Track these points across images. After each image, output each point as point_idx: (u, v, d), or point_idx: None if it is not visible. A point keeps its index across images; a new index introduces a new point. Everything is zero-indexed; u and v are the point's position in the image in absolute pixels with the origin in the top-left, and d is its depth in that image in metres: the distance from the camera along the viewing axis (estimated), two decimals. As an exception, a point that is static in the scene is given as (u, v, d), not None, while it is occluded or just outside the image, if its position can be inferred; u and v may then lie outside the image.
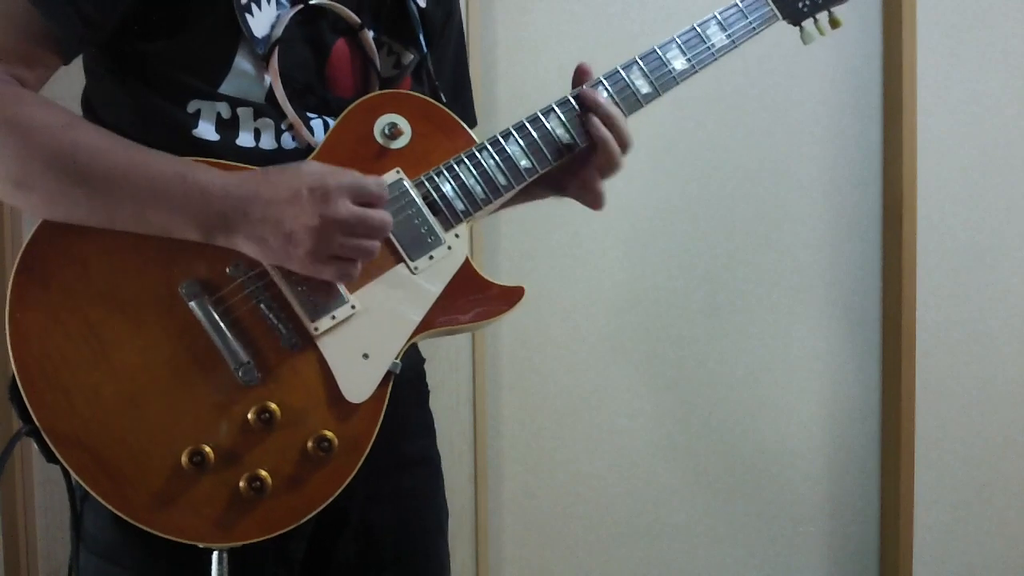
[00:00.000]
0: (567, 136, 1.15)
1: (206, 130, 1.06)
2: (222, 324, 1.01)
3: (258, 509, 1.02)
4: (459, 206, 1.11)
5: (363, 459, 1.06)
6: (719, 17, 1.21)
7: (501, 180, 1.13)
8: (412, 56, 1.20)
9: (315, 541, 1.15)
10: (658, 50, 1.18)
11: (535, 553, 2.24)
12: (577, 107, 1.15)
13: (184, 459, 1.00)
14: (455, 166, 1.11)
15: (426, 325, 1.10)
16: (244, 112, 1.07)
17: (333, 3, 1.11)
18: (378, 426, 1.06)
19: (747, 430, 2.31)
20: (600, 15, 2.16)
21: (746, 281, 2.28)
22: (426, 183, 1.10)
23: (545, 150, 1.14)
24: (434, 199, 1.10)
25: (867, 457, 2.36)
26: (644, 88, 1.18)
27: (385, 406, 1.07)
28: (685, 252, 2.25)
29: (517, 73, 2.13)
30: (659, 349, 2.26)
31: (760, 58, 2.22)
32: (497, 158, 1.13)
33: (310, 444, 1.03)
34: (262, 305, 1.03)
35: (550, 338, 2.20)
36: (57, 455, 0.99)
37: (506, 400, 2.20)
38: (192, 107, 1.06)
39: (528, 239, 2.17)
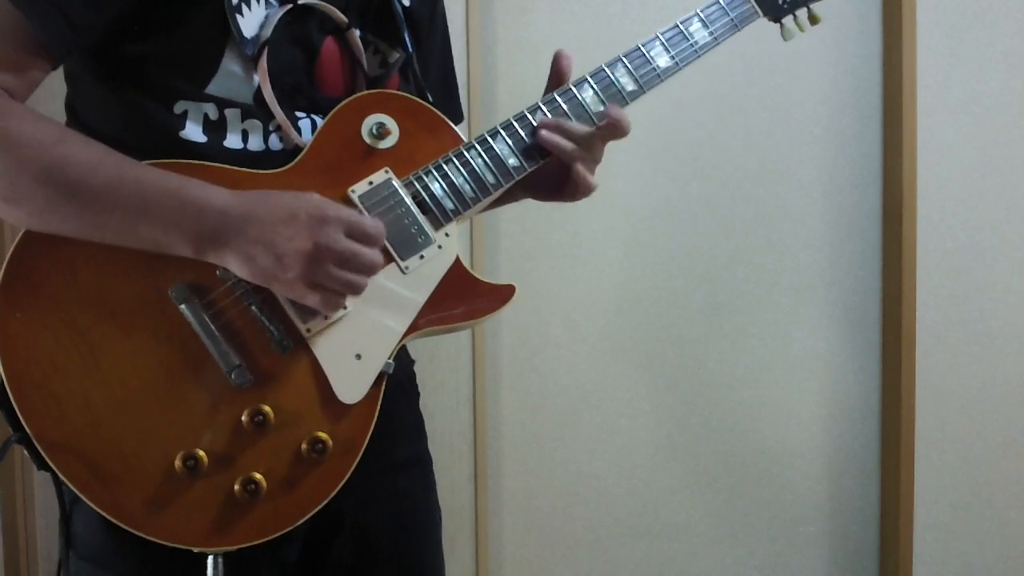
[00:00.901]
0: None
1: (193, 131, 1.06)
2: (213, 327, 1.01)
3: (253, 512, 1.02)
4: (448, 205, 1.11)
5: (358, 460, 1.05)
6: (702, 15, 1.21)
7: (490, 179, 1.13)
8: (398, 55, 1.20)
9: (309, 543, 1.15)
10: (642, 48, 1.19)
11: (535, 553, 2.24)
12: (563, 106, 1.16)
13: (177, 463, 1.00)
14: (444, 165, 1.12)
15: (419, 325, 1.10)
16: (232, 113, 1.07)
17: (322, 2, 1.11)
18: (372, 427, 1.06)
19: (747, 430, 2.31)
20: (600, 15, 2.16)
21: (746, 281, 2.28)
22: (415, 183, 1.11)
23: (533, 148, 1.15)
24: (423, 198, 1.11)
25: (867, 457, 2.36)
26: (629, 86, 1.18)
27: (379, 407, 1.07)
28: (685, 252, 2.25)
29: (517, 73, 2.13)
30: (659, 349, 2.26)
31: (760, 58, 2.22)
32: (485, 157, 1.13)
33: (304, 446, 1.03)
34: (253, 307, 1.03)
35: (550, 338, 2.20)
36: (49, 462, 0.98)
37: (506, 400, 2.20)
38: (179, 108, 1.05)
39: (528, 239, 2.17)
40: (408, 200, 1.10)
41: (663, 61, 1.19)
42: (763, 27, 1.30)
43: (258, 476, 1.01)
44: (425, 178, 1.11)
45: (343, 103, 1.11)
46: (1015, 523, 2.39)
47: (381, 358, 1.08)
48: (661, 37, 1.19)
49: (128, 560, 1.05)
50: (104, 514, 0.99)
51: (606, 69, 1.18)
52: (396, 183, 1.10)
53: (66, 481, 0.98)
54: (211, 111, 1.07)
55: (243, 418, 1.01)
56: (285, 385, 1.04)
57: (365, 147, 1.11)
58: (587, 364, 2.23)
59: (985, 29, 2.29)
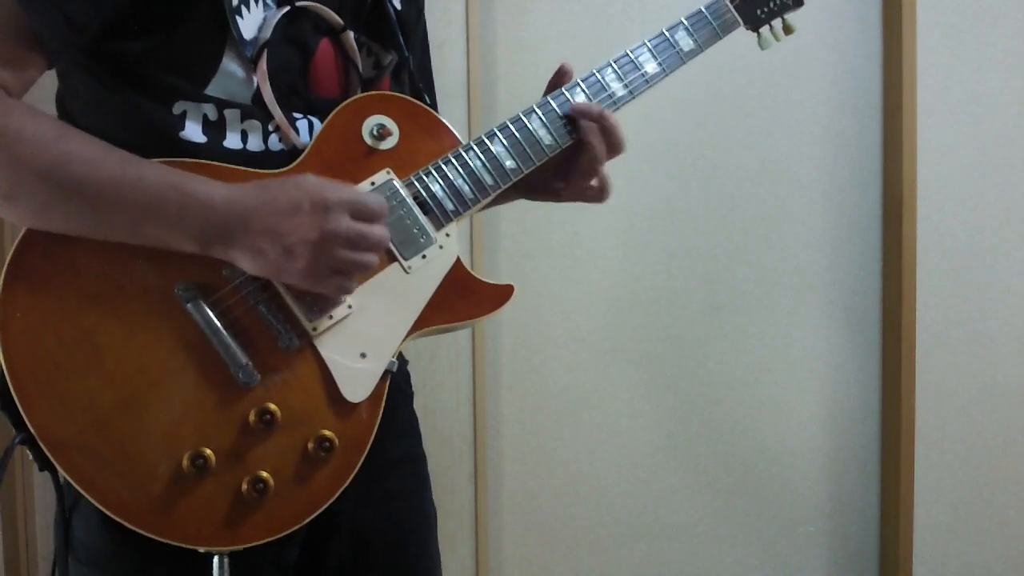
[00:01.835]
0: (549, 138, 1.17)
1: (193, 132, 1.05)
2: (220, 326, 1.01)
3: (261, 511, 1.02)
4: (449, 206, 1.12)
5: (363, 458, 1.06)
6: (686, 23, 1.25)
7: (488, 180, 1.15)
8: (391, 57, 1.21)
9: (307, 545, 1.15)
10: (630, 54, 1.22)
11: (535, 553, 2.24)
12: (557, 109, 1.18)
13: (185, 463, 0.99)
14: (443, 166, 1.13)
15: (421, 324, 1.11)
16: (231, 114, 1.07)
17: (318, 4, 1.12)
18: (377, 425, 1.07)
19: (747, 430, 2.31)
20: (600, 15, 2.16)
21: (746, 281, 2.28)
22: (416, 183, 1.12)
23: (529, 151, 1.16)
24: (424, 199, 1.12)
25: (867, 457, 2.36)
26: (619, 91, 1.21)
27: (383, 405, 1.07)
28: (685, 252, 2.25)
29: (517, 73, 2.13)
30: (659, 349, 2.26)
31: (760, 58, 2.21)
32: (483, 158, 1.14)
33: (311, 444, 1.03)
34: (260, 306, 1.03)
35: (550, 338, 2.20)
36: (53, 462, 0.97)
37: (506, 400, 2.20)
38: (178, 108, 1.05)
39: (528, 239, 2.17)
40: (409, 200, 1.11)
41: (651, 67, 1.22)
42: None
43: (266, 475, 1.01)
44: (426, 179, 1.12)
45: (343, 104, 1.12)
46: (1015, 523, 2.40)
47: (386, 357, 1.08)
48: (648, 44, 1.23)
49: (128, 562, 1.05)
50: (110, 514, 0.98)
51: (597, 74, 1.20)
52: (397, 183, 1.11)
53: (71, 481, 0.98)
54: (210, 111, 1.06)
55: (251, 417, 1.01)
56: (291, 384, 1.04)
57: (366, 148, 1.12)
58: (587, 364, 2.23)
59: (985, 29, 2.29)
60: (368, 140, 1.11)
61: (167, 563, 1.02)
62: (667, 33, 1.23)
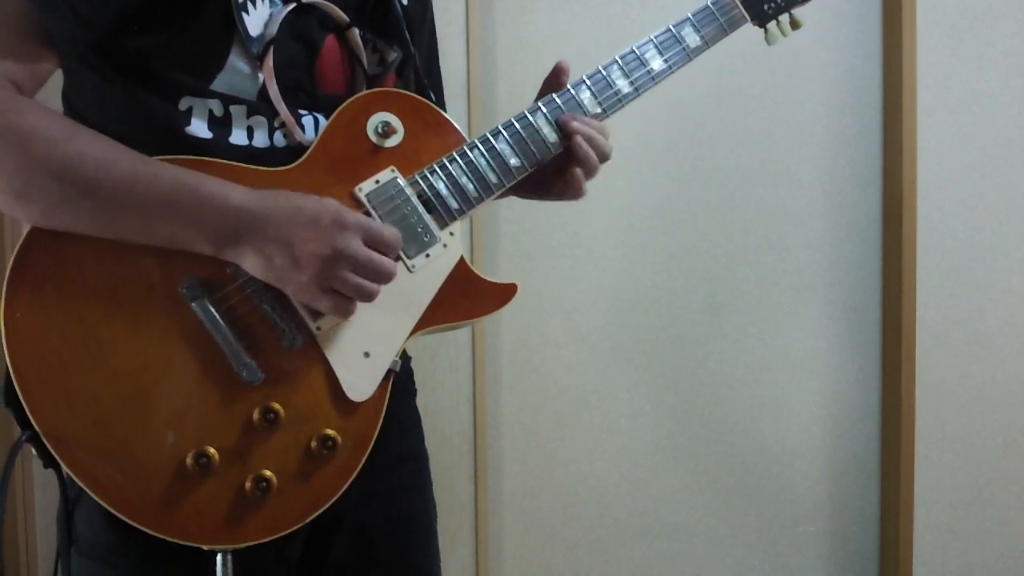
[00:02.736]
0: (554, 135, 1.17)
1: (199, 127, 1.05)
2: (224, 324, 1.01)
3: (264, 509, 1.02)
4: (453, 204, 1.12)
5: (366, 457, 1.06)
6: (693, 19, 1.24)
7: (492, 179, 1.14)
8: (396, 54, 1.21)
9: (310, 542, 1.15)
10: (636, 51, 1.21)
11: (535, 553, 2.24)
12: (562, 107, 1.17)
13: (189, 461, 0.99)
14: (448, 164, 1.13)
15: (424, 323, 1.10)
16: (237, 110, 1.07)
17: (324, 1, 1.12)
18: (379, 424, 1.07)
19: (747, 430, 2.31)
20: (600, 15, 2.16)
21: (746, 281, 2.28)
22: (420, 181, 1.11)
23: (533, 148, 1.16)
24: (428, 197, 1.11)
25: (867, 457, 2.36)
26: (625, 89, 1.20)
27: (386, 404, 1.08)
28: (685, 252, 2.25)
29: (517, 73, 2.13)
30: (659, 349, 2.26)
31: (760, 58, 2.22)
32: (488, 156, 1.14)
33: (314, 443, 1.03)
34: (264, 305, 1.03)
35: (550, 338, 2.20)
36: (58, 459, 0.97)
37: (506, 400, 2.20)
38: (184, 104, 1.05)
39: (528, 239, 2.17)
40: (414, 199, 1.10)
41: (657, 64, 1.22)
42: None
43: (269, 473, 1.01)
44: (430, 177, 1.12)
45: (348, 101, 1.12)
46: (1015, 523, 2.40)
47: (389, 356, 1.08)
48: (655, 40, 1.22)
49: (131, 557, 1.05)
50: (114, 511, 0.98)
51: (602, 71, 1.20)
52: (402, 182, 1.10)
53: (75, 478, 0.97)
54: (216, 107, 1.06)
55: (254, 416, 1.01)
56: (295, 383, 1.04)
57: (371, 145, 1.11)
58: (587, 364, 2.23)
59: (985, 29, 2.29)
60: (373, 137, 1.11)
61: (170, 558, 1.01)
62: (673, 29, 1.23)
